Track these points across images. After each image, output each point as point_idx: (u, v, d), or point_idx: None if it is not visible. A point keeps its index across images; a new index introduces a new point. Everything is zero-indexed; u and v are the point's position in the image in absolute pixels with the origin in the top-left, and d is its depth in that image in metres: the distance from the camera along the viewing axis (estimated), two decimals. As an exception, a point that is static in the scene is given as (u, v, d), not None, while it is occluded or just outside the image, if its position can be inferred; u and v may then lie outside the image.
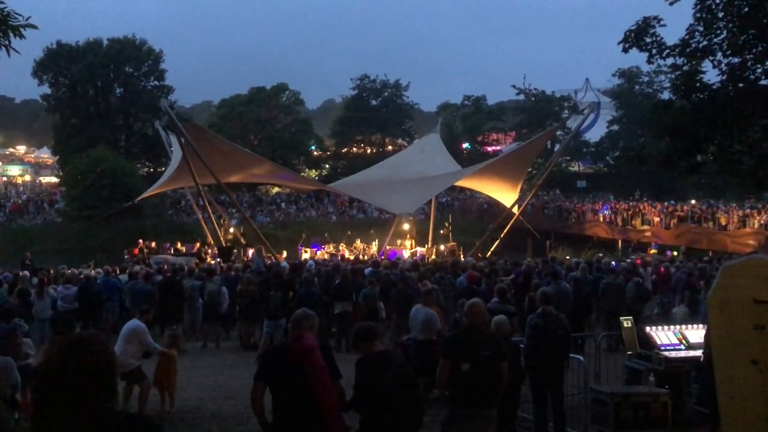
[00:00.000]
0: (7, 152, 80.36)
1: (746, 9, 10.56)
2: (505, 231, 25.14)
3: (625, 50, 11.43)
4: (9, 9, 6.32)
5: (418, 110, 66.43)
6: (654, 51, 11.16)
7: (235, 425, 8.02)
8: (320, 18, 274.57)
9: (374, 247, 24.61)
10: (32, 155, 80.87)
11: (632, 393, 7.04)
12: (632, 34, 11.20)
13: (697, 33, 10.93)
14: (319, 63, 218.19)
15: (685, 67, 11.24)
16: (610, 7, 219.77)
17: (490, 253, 23.23)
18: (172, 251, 24.69)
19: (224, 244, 25.13)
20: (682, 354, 7.75)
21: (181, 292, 13.92)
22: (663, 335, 8.01)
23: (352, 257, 21.24)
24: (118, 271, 16.09)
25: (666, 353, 7.72)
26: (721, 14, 10.80)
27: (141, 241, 25.52)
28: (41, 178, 69.23)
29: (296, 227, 38.75)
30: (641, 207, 37.76)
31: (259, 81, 64.47)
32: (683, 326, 8.23)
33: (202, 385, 10.21)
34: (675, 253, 23.08)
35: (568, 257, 21.46)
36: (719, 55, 10.88)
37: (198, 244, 25.09)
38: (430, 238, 26.87)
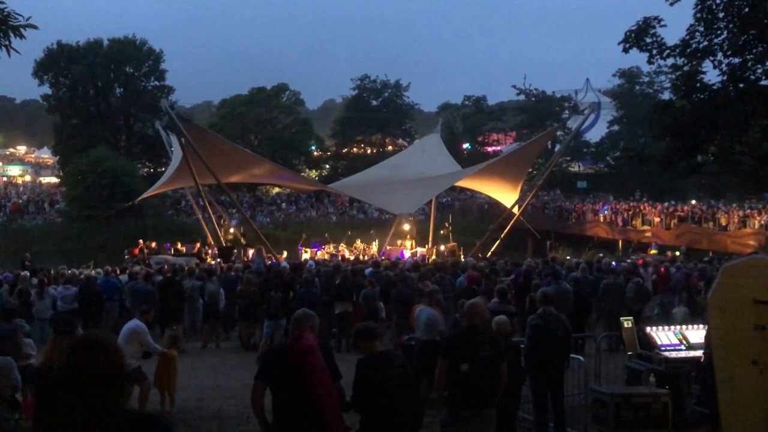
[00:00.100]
0: (8, 152, 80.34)
1: (746, 9, 10.57)
2: (506, 231, 25.13)
3: (626, 50, 11.45)
4: (9, 9, 6.33)
5: (418, 110, 66.40)
6: (654, 51, 11.18)
7: (235, 425, 8.02)
8: (321, 18, 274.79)
9: (374, 248, 24.60)
10: (32, 155, 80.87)
11: (633, 393, 7.04)
12: (633, 35, 11.21)
13: (697, 33, 10.94)
14: (319, 63, 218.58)
15: (685, 68, 11.26)
16: (610, 7, 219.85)
17: (490, 253, 23.22)
18: (173, 251, 24.67)
19: (224, 245, 25.11)
20: (683, 354, 7.74)
21: (182, 293, 13.92)
22: (663, 335, 8.01)
23: (352, 257, 21.23)
24: (118, 272, 16.09)
25: (666, 353, 7.72)
26: (721, 14, 10.81)
27: (141, 241, 25.50)
28: (41, 179, 69.23)
29: (296, 227, 38.75)
30: (641, 207, 37.75)
31: (260, 81, 64.68)
32: (683, 326, 8.22)
33: (202, 385, 10.21)
34: (677, 254, 23.07)
35: (568, 257, 21.46)
36: (719, 56, 10.90)
37: (198, 245, 25.07)
38: (430, 238, 26.85)
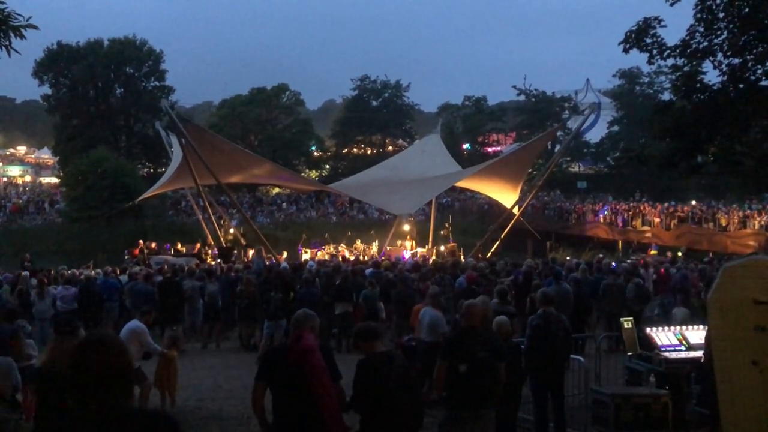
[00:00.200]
0: (8, 153, 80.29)
1: (747, 10, 10.57)
2: (506, 232, 25.12)
3: (626, 51, 11.44)
4: (9, 9, 6.34)
5: (418, 111, 66.40)
6: (654, 52, 11.17)
7: (235, 426, 8.02)
8: (321, 18, 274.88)
9: (374, 248, 24.60)
10: (33, 156, 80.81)
11: (633, 394, 7.04)
12: (633, 35, 11.21)
13: (697, 34, 10.94)
14: (319, 63, 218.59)
15: (685, 68, 11.25)
16: (610, 7, 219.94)
17: (490, 254, 23.21)
18: (173, 252, 24.67)
19: (224, 245, 25.11)
20: (683, 355, 7.74)
21: (182, 293, 13.92)
22: (663, 336, 8.00)
23: (352, 258, 21.23)
24: (118, 272, 16.09)
25: (666, 354, 7.71)
26: (721, 15, 10.80)
27: (141, 241, 25.50)
28: (42, 179, 69.17)
29: (296, 228, 38.75)
30: (641, 208, 37.74)
31: (260, 81, 64.68)
32: (683, 327, 8.22)
33: (202, 385, 10.21)
34: (679, 254, 23.06)
35: (568, 258, 21.45)
36: (720, 56, 10.90)
37: (198, 245, 25.05)
38: (430, 238, 26.85)
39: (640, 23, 11.18)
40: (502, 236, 25.01)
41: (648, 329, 8.21)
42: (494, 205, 36.16)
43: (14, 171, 71.70)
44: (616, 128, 59.22)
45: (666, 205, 37.98)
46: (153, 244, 25.52)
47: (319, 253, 23.57)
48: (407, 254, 22.41)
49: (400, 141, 59.74)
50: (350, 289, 13.13)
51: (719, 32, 10.87)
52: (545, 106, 58.48)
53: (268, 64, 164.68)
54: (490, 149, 60.62)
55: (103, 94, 50.41)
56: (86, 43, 49.70)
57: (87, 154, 41.80)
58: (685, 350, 7.80)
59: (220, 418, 8.35)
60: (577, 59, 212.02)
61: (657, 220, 34.63)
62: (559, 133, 43.41)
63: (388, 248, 23.49)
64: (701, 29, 10.91)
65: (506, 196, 26.44)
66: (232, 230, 29.01)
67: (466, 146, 59.91)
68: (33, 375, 6.02)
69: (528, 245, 31.49)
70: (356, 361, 4.89)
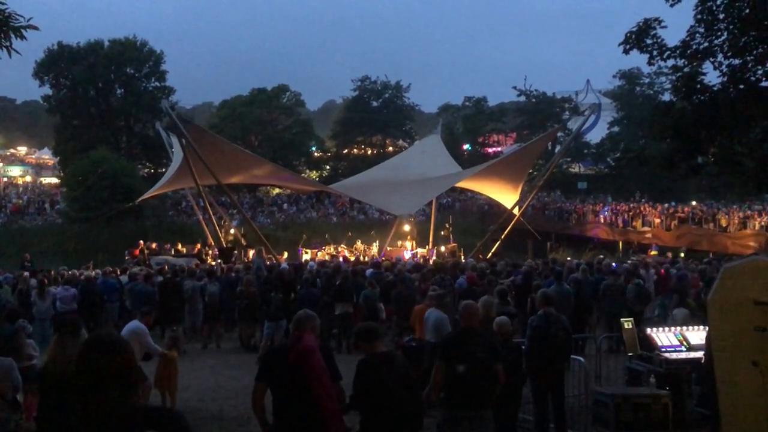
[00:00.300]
0: (8, 153, 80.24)
1: (747, 10, 10.57)
2: (506, 232, 25.13)
3: (626, 52, 11.43)
4: (10, 10, 6.34)
5: (418, 111, 66.41)
6: (655, 52, 11.17)
7: (236, 426, 8.03)
8: (321, 19, 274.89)
9: (375, 249, 24.61)
10: (33, 156, 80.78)
11: (633, 394, 7.04)
12: (633, 36, 11.20)
13: (697, 34, 10.94)
14: (320, 64, 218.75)
15: (685, 69, 11.24)
16: (610, 8, 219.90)
17: (491, 254, 23.22)
18: (173, 252, 24.68)
19: (225, 245, 25.12)
20: (683, 355, 7.74)
21: (182, 294, 13.92)
22: (664, 336, 8.01)
23: (352, 258, 21.24)
24: (119, 272, 16.09)
25: (667, 354, 7.72)
26: (721, 16, 10.80)
27: (142, 242, 25.51)
28: (42, 179, 69.17)
29: (297, 228, 38.75)
30: (642, 208, 37.75)
31: (260, 82, 64.75)
32: (684, 328, 8.22)
33: (202, 386, 10.21)
34: (682, 255, 23.06)
35: (568, 258, 21.46)
36: (720, 57, 10.89)
37: (198, 245, 25.08)
38: (430, 239, 26.87)
39: (641, 24, 11.18)
40: (502, 237, 25.02)
41: (648, 330, 8.22)
42: (494, 206, 36.16)
43: (15, 171, 71.63)
44: (616, 129, 59.22)
45: (666, 205, 38.00)
46: (153, 245, 25.54)
47: (319, 254, 23.57)
48: (407, 255, 22.41)
49: (401, 141, 59.73)
50: (350, 290, 13.13)
51: (719, 33, 10.86)
52: (545, 107, 58.49)
53: (269, 64, 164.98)
54: (490, 150, 60.65)
55: (103, 95, 50.41)
56: (87, 43, 49.71)
57: (87, 155, 41.81)
58: (685, 351, 7.81)
59: (220, 419, 8.36)
60: (578, 60, 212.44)
61: (657, 220, 34.64)
62: (559, 134, 43.43)
63: (388, 249, 23.50)
64: (701, 30, 10.91)
65: (506, 196, 26.46)
66: (232, 231, 29.02)
67: (466, 147, 59.92)
68: (35, 375, 6.02)
69: (528, 246, 31.51)
70: (356, 362, 4.90)
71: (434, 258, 21.18)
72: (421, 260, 20.52)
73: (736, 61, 10.86)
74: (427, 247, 25.15)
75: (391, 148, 58.54)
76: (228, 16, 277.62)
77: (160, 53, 50.77)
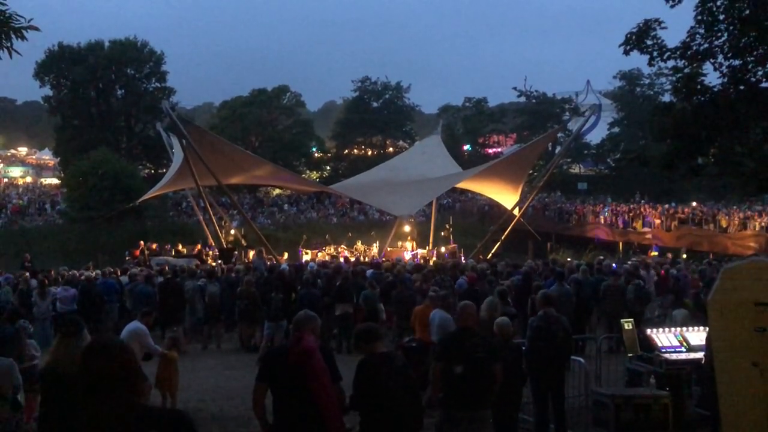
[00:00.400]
0: (9, 153, 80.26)
1: (747, 11, 10.57)
2: (506, 233, 25.13)
3: (626, 52, 11.43)
4: (11, 11, 6.36)
5: (419, 112, 66.40)
6: (655, 53, 11.16)
7: (236, 427, 8.04)
8: (321, 20, 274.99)
9: (375, 249, 24.61)
10: (34, 157, 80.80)
11: (633, 395, 7.05)
12: (633, 37, 11.20)
13: (698, 35, 10.93)
14: (320, 65, 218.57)
15: (686, 70, 11.23)
16: (611, 9, 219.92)
17: (491, 255, 23.23)
18: (173, 253, 24.67)
19: (225, 246, 25.13)
20: (683, 356, 7.75)
21: (182, 294, 13.93)
22: (664, 337, 8.02)
23: (353, 259, 21.24)
24: (119, 273, 16.09)
25: (667, 355, 7.73)
26: (722, 16, 10.79)
27: (142, 242, 25.51)
28: (42, 180, 69.18)
29: (297, 229, 38.76)
30: (642, 209, 37.75)
31: (260, 83, 64.80)
32: (684, 328, 8.23)
33: (203, 386, 10.22)
34: (684, 256, 23.06)
35: (569, 259, 21.46)
36: (720, 58, 10.88)
37: (199, 246, 25.08)
38: (430, 240, 26.87)
39: (641, 25, 11.17)
40: (502, 237, 25.02)
41: (648, 330, 8.23)
42: (495, 206, 36.17)
43: (15, 172, 71.63)
44: (616, 130, 59.24)
45: (666, 206, 38.00)
46: (154, 245, 25.53)
47: (319, 254, 23.58)
48: (408, 255, 22.41)
49: (401, 142, 59.74)
50: (350, 290, 13.13)
51: (720, 34, 10.86)
52: (546, 108, 58.51)
53: (269, 65, 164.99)
54: (490, 150, 60.67)
55: (104, 96, 50.43)
56: (87, 44, 49.73)
57: (88, 155, 41.81)
58: (685, 351, 7.82)
59: (221, 419, 8.36)
60: (578, 61, 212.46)
61: (657, 221, 34.64)
62: (559, 135, 43.43)
63: (388, 249, 23.50)
64: (702, 31, 10.91)
65: (507, 197, 26.45)
66: (232, 231, 29.04)
67: (466, 147, 59.94)
68: (36, 375, 6.02)
69: (528, 246, 31.51)
70: (356, 362, 4.90)
71: (434, 259, 21.18)
72: (422, 261, 20.51)
73: (737, 62, 10.86)
74: (427, 247, 25.15)
75: (391, 149, 58.56)
76: (228, 17, 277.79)
77: (161, 54, 50.81)
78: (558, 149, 44.83)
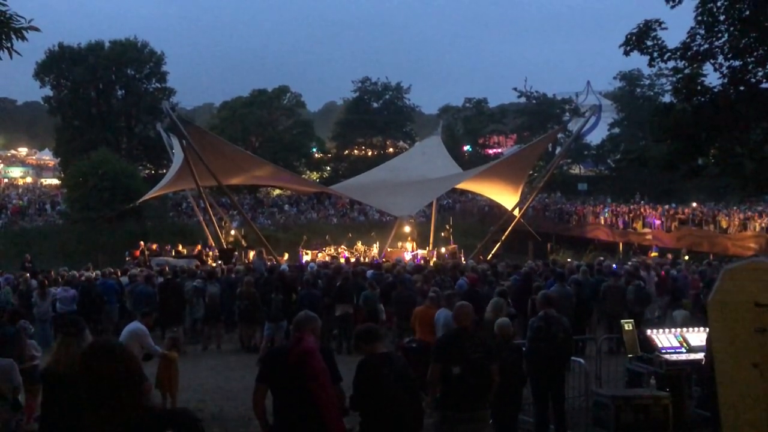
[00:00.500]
0: (9, 154, 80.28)
1: (747, 12, 10.57)
2: (506, 233, 25.14)
3: (627, 53, 11.43)
4: (11, 11, 6.36)
5: (419, 113, 66.42)
6: (655, 54, 11.16)
7: (236, 427, 8.04)
8: (322, 20, 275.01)
9: (375, 250, 24.61)
10: (34, 157, 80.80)
11: (633, 396, 7.05)
12: (633, 37, 11.20)
13: (698, 36, 10.93)
14: (320, 65, 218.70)
15: (686, 70, 11.23)
16: (611, 10, 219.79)
17: (491, 255, 23.23)
18: (173, 253, 24.68)
19: (225, 246, 25.14)
20: (683, 357, 7.75)
21: (182, 294, 13.93)
22: (664, 338, 8.01)
23: (353, 259, 21.23)
24: (119, 273, 16.09)
25: (667, 356, 7.72)
26: (722, 17, 10.80)
27: (142, 243, 25.52)
28: (43, 180, 69.19)
29: (297, 229, 38.75)
30: (642, 210, 37.73)
31: (261, 83, 64.80)
32: (684, 329, 8.23)
33: (203, 387, 10.23)
34: (686, 258, 23.05)
35: (569, 260, 21.46)
36: (720, 58, 10.88)
37: (199, 246, 25.08)
38: (431, 240, 26.87)
39: (641, 26, 11.17)
40: (502, 238, 25.02)
41: (648, 331, 8.23)
42: (495, 207, 36.16)
43: (15, 172, 71.62)
44: (616, 130, 59.25)
45: (666, 207, 37.98)
46: (154, 246, 25.53)
47: (319, 255, 23.57)
48: (408, 256, 22.41)
49: (401, 143, 59.74)
50: (351, 291, 13.14)
51: (720, 35, 10.86)
52: (546, 108, 58.52)
53: (269, 65, 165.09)
54: (490, 151, 60.67)
55: (104, 96, 50.43)
56: (87, 44, 49.72)
57: (88, 156, 41.81)
58: (685, 352, 7.81)
59: (221, 420, 8.37)
60: (578, 61, 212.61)
61: (658, 222, 34.62)
62: (559, 135, 43.46)
63: (388, 250, 23.50)
64: (702, 32, 10.91)
65: (507, 197, 26.45)
66: (233, 232, 29.04)
67: (466, 148, 59.96)
68: (37, 376, 6.02)
69: (529, 247, 31.50)
70: (356, 363, 4.90)
71: (434, 259, 21.18)
72: (423, 261, 20.51)
73: (737, 63, 10.86)
74: (427, 248, 25.14)
75: (391, 150, 58.55)
76: (229, 18, 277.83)
77: (161, 54, 50.81)
78: (558, 150, 44.86)
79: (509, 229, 25.17)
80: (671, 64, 11.43)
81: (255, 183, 37.40)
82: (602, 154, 59.30)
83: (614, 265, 17.69)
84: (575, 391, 8.15)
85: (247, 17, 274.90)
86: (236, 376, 10.86)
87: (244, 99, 55.15)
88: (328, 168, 59.71)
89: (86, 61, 48.56)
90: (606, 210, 39.56)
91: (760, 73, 10.81)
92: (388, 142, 61.08)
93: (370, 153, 60.30)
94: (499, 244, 24.95)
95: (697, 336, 7.89)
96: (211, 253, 24.28)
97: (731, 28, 10.76)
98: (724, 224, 31.52)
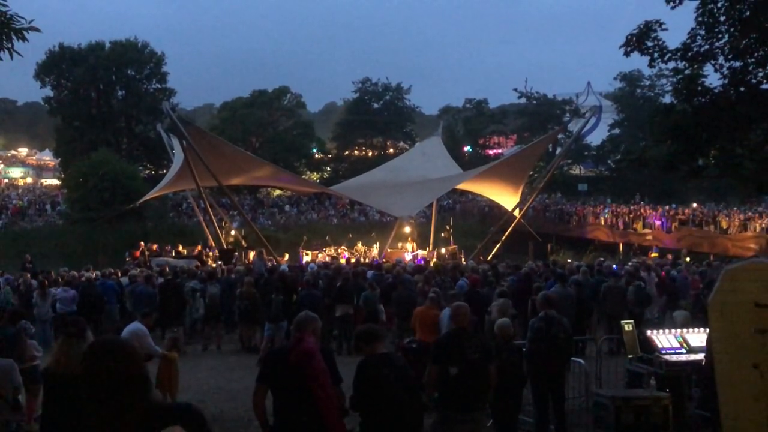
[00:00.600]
0: (9, 154, 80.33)
1: (748, 13, 10.57)
2: (507, 234, 25.14)
3: (627, 54, 11.43)
4: (12, 12, 6.37)
5: (419, 113, 66.49)
6: (656, 55, 11.15)
7: (236, 428, 8.03)
8: (322, 21, 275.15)
9: (375, 250, 24.61)
10: (34, 157, 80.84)
11: (633, 397, 7.04)
12: (634, 38, 11.20)
13: (698, 37, 10.93)
14: (320, 66, 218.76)
15: (686, 71, 11.22)
16: (611, 10, 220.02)
17: (491, 256, 23.23)
18: (174, 254, 24.68)
19: (225, 247, 25.14)
20: (683, 357, 7.74)
21: (182, 295, 13.93)
22: (664, 338, 8.01)
23: (353, 260, 21.23)
24: (119, 274, 16.09)
25: (667, 357, 7.72)
26: (722, 18, 10.79)
27: (142, 243, 25.52)
28: (43, 181, 69.23)
29: (297, 230, 38.75)
30: (642, 210, 37.72)
31: (261, 84, 64.65)
32: (684, 330, 8.22)
33: (203, 387, 10.22)
34: (688, 259, 23.05)
35: (569, 260, 21.46)
36: (721, 59, 10.88)
37: (199, 247, 25.09)
38: (431, 241, 26.87)
39: (641, 26, 11.17)
40: (503, 238, 25.02)
41: (648, 332, 8.22)
42: (495, 208, 36.17)
43: (16, 173, 71.68)
44: (616, 131, 59.30)
45: (667, 207, 37.97)
46: (154, 246, 25.54)
47: (320, 255, 23.58)
48: (408, 256, 22.41)
49: (401, 143, 59.81)
50: (351, 292, 13.14)
51: (720, 35, 10.86)
52: (546, 109, 58.57)
53: (270, 66, 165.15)
54: (491, 152, 60.73)
55: (104, 96, 50.48)
56: (88, 45, 49.79)
57: (88, 156, 41.87)
58: (685, 353, 7.81)
59: (221, 420, 8.36)
60: (578, 62, 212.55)
61: (658, 222, 34.61)
62: (560, 136, 43.48)
63: (389, 250, 23.50)
64: (702, 32, 10.91)
65: (507, 198, 26.46)
66: (233, 232, 29.05)
67: (467, 149, 60.02)
68: (38, 376, 6.02)
69: (529, 247, 31.50)
70: (357, 363, 4.90)
71: (434, 260, 21.18)
72: (424, 262, 20.51)
73: (737, 64, 10.86)
74: (427, 248, 25.14)
75: (391, 150, 58.61)
76: (229, 18, 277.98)
77: (161, 55, 50.88)
78: (558, 150, 44.87)
79: (509, 229, 25.17)
80: (671, 64, 11.43)
81: (255, 183, 37.42)
82: (602, 155, 59.33)
83: (614, 266, 17.69)
84: (575, 391, 8.15)
85: (248, 17, 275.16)
86: (236, 376, 10.86)
87: (245, 99, 55.21)
88: (329, 168, 59.76)
89: (86, 61, 48.61)
90: (606, 210, 39.55)
91: (760, 74, 10.81)
92: (388, 143, 61.13)
93: (370, 153, 60.35)
94: (499, 244, 24.95)
95: (697, 337, 7.89)
96: (211, 253, 24.29)
97: (732, 29, 10.75)
98: (724, 225, 31.52)
